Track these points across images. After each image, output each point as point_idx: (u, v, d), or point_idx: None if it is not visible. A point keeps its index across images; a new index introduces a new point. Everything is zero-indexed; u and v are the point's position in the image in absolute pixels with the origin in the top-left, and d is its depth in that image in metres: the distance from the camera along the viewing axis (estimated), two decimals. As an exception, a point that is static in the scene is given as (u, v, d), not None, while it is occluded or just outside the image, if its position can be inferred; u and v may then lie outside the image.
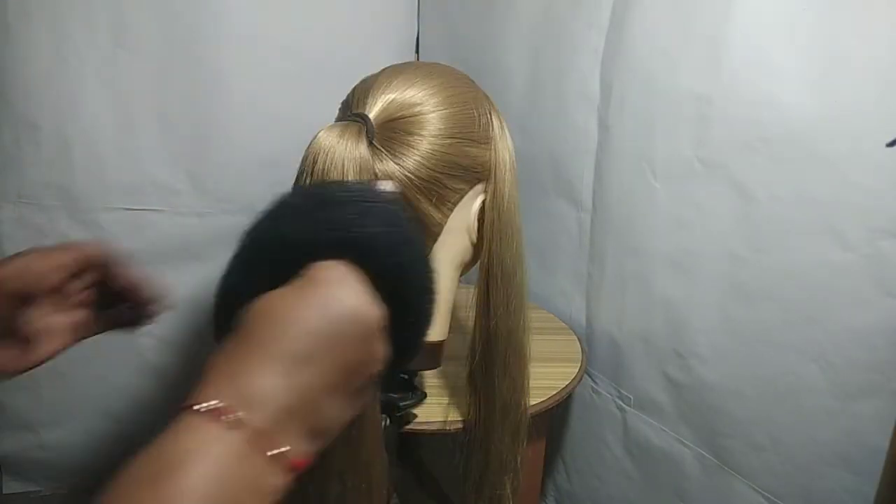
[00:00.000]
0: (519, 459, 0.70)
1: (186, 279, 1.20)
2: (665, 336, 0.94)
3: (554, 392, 0.86)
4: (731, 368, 0.86)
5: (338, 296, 0.35)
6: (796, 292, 0.77)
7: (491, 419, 0.69)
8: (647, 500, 1.03)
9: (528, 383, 0.71)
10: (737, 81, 0.79)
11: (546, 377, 0.88)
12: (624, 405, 1.04)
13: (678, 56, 0.86)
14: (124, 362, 1.22)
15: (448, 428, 0.75)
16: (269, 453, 0.30)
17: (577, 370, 0.93)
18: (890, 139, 0.66)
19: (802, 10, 0.72)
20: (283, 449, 0.31)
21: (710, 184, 0.84)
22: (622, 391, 1.04)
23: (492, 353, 0.66)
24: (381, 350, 0.37)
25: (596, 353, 1.08)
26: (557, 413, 1.17)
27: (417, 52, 1.36)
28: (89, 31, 1.04)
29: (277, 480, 0.31)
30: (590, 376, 1.10)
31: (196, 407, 0.30)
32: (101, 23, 1.04)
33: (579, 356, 0.99)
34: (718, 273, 0.85)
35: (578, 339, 1.06)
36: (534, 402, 0.79)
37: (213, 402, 0.30)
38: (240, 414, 0.30)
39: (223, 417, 0.29)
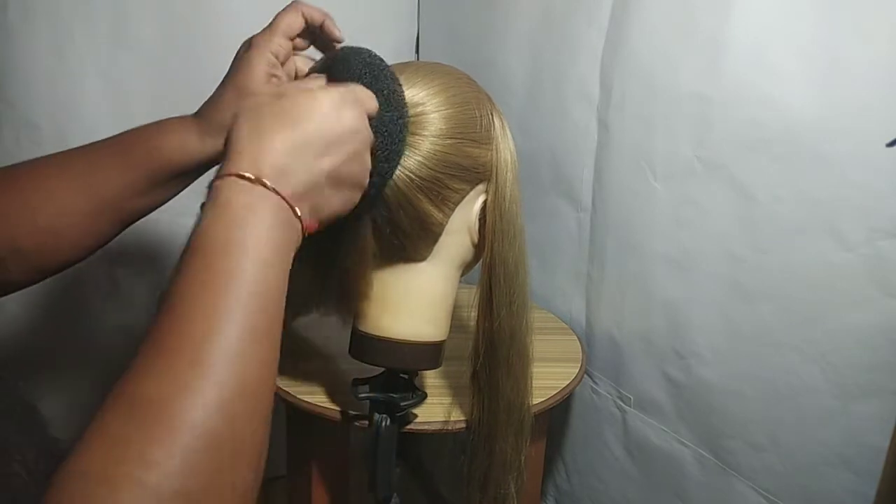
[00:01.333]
0: (523, 459, 0.70)
1: (186, 279, 1.20)
2: (665, 336, 0.94)
3: (554, 392, 0.86)
4: (731, 368, 0.86)
5: (352, 113, 0.45)
6: (796, 292, 0.77)
7: (495, 419, 0.69)
8: (647, 500, 1.03)
9: (532, 383, 0.71)
10: (737, 81, 0.79)
11: (546, 377, 0.88)
12: (624, 405, 1.04)
13: (678, 56, 0.86)
14: (124, 362, 1.22)
15: (450, 428, 0.75)
16: (297, 213, 0.40)
17: (577, 370, 0.93)
18: (890, 139, 0.66)
19: (802, 10, 0.72)
20: (300, 214, 0.40)
21: (710, 184, 0.84)
22: (622, 391, 1.04)
23: (495, 353, 0.66)
24: (369, 164, 0.49)
25: (596, 353, 1.08)
26: (557, 413, 1.17)
27: (417, 51, 1.36)
28: (89, 31, 1.04)
29: (299, 238, 0.41)
30: (590, 376, 1.10)
31: (245, 174, 0.38)
32: (101, 23, 1.04)
33: (579, 356, 0.99)
34: (718, 273, 0.85)
35: (578, 339, 1.06)
36: (534, 402, 0.79)
37: (253, 172, 0.38)
38: (269, 182, 0.38)
39: (265, 181, 0.38)
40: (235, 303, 0.35)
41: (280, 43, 0.58)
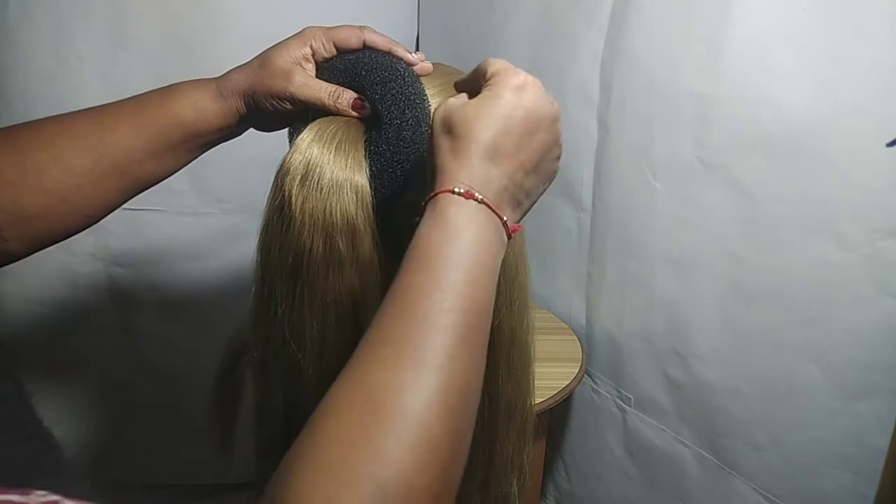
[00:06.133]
0: (526, 458, 0.70)
1: (186, 278, 1.20)
2: (665, 336, 0.94)
3: (554, 392, 0.86)
4: (731, 368, 0.86)
5: (524, 102, 0.44)
6: (796, 292, 0.77)
7: (495, 419, 0.68)
8: (647, 500, 1.03)
9: (534, 383, 0.71)
10: (737, 81, 0.79)
11: (546, 377, 0.88)
12: (624, 405, 1.04)
13: (678, 56, 0.86)
14: (124, 362, 1.22)
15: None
16: (502, 219, 0.42)
17: (577, 370, 0.93)
18: (890, 139, 0.66)
19: (802, 11, 0.72)
20: (505, 218, 0.42)
21: (710, 184, 0.84)
22: (622, 391, 1.04)
23: (495, 353, 0.66)
24: (559, 132, 0.48)
25: (596, 353, 1.08)
26: (557, 413, 1.17)
27: (417, 52, 1.36)
28: (89, 31, 1.04)
29: (504, 242, 0.43)
30: (590, 376, 1.10)
31: (456, 189, 0.40)
32: (101, 23, 1.04)
33: (579, 356, 0.99)
34: (718, 273, 0.85)
35: (578, 339, 1.06)
36: (534, 402, 0.79)
37: (462, 187, 0.41)
38: (478, 194, 0.41)
39: (475, 195, 0.41)
40: (451, 310, 0.38)
41: (325, 44, 0.57)
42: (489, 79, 0.46)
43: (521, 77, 0.45)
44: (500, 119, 0.43)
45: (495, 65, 0.46)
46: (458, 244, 0.40)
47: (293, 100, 0.53)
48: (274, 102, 0.54)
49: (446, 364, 0.37)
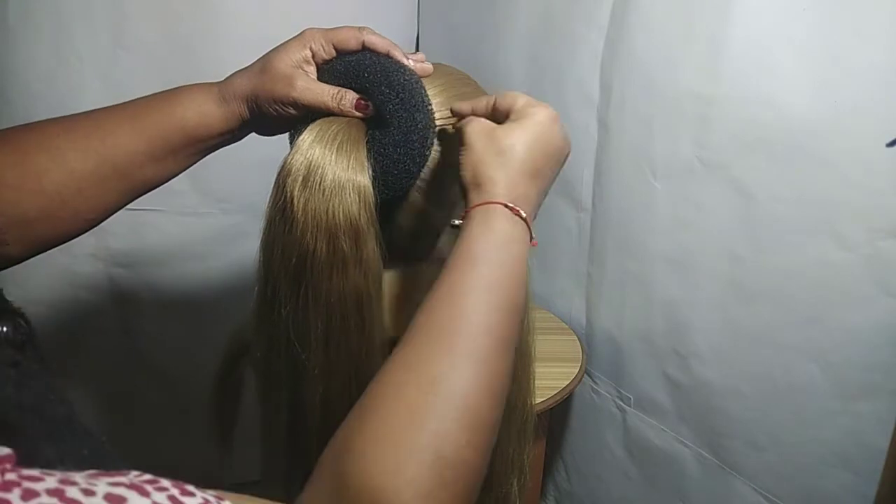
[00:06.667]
0: (526, 458, 0.70)
1: (186, 279, 1.20)
2: (665, 336, 0.94)
3: (554, 392, 0.86)
4: (731, 368, 0.86)
5: (555, 132, 0.50)
6: (796, 292, 0.77)
7: None
8: (647, 500, 1.03)
9: (534, 383, 0.71)
10: (737, 81, 0.79)
11: (546, 377, 0.88)
12: (624, 405, 1.04)
13: (678, 56, 0.86)
14: (125, 362, 1.22)
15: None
16: (533, 239, 0.48)
17: (577, 370, 0.93)
18: (890, 139, 0.66)
19: (802, 11, 0.72)
20: (533, 234, 0.48)
21: (710, 184, 0.84)
22: (622, 391, 1.04)
23: None
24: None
25: (596, 353, 1.08)
26: (557, 413, 1.17)
27: (417, 52, 1.36)
28: (89, 31, 1.04)
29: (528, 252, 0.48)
30: (590, 376, 1.10)
31: (508, 204, 0.46)
32: (101, 23, 1.04)
33: (579, 356, 0.99)
34: (718, 273, 0.85)
35: (578, 339, 1.06)
36: (535, 402, 0.80)
37: (512, 202, 0.46)
38: (522, 211, 0.46)
39: (520, 212, 0.46)
40: (498, 310, 0.43)
41: (324, 46, 0.57)
42: (521, 107, 0.51)
43: (553, 111, 0.51)
44: (544, 144, 0.49)
45: (522, 97, 0.51)
46: (506, 253, 0.45)
47: (297, 105, 0.53)
48: (277, 108, 0.54)
49: (493, 358, 0.42)
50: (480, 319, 0.42)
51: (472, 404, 0.39)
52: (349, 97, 0.53)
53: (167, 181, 0.57)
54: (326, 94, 0.53)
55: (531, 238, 0.48)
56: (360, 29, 0.58)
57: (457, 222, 0.48)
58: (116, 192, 0.54)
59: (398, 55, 0.57)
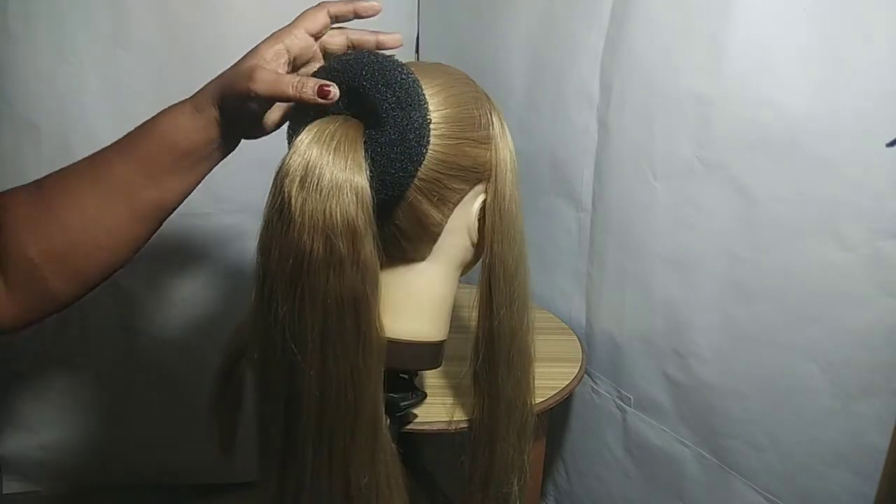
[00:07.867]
0: (526, 458, 0.70)
1: (186, 278, 1.20)
2: (665, 336, 0.94)
3: (554, 392, 0.86)
4: (731, 368, 0.86)
5: None
6: (796, 292, 0.77)
7: (496, 419, 0.69)
8: (647, 500, 1.03)
9: (534, 382, 0.71)
10: (737, 81, 0.79)
11: (546, 377, 0.88)
12: (624, 405, 1.04)
13: (678, 56, 0.86)
14: (124, 362, 1.22)
15: (450, 428, 0.75)
16: None
17: (577, 370, 0.93)
18: (890, 139, 0.66)
19: (802, 11, 0.72)
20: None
21: (710, 184, 0.84)
22: (622, 391, 1.04)
23: (495, 353, 0.66)
24: None
25: (596, 353, 1.08)
26: (557, 413, 1.17)
27: (417, 51, 1.36)
28: (89, 31, 1.04)
29: None
30: (590, 376, 1.10)
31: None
32: (101, 23, 1.04)
33: (579, 356, 0.99)
34: (718, 273, 0.85)
35: (578, 339, 1.06)
36: (534, 402, 0.80)
37: None
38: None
39: None
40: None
41: (297, 36, 0.58)
42: None
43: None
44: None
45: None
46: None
47: (257, 97, 0.53)
48: (241, 103, 0.54)
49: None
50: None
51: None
52: (310, 84, 0.52)
53: (183, 197, 0.60)
54: (285, 83, 0.53)
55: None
56: (319, 5, 0.58)
57: None
58: (137, 221, 0.58)
59: (362, 5, 0.61)
